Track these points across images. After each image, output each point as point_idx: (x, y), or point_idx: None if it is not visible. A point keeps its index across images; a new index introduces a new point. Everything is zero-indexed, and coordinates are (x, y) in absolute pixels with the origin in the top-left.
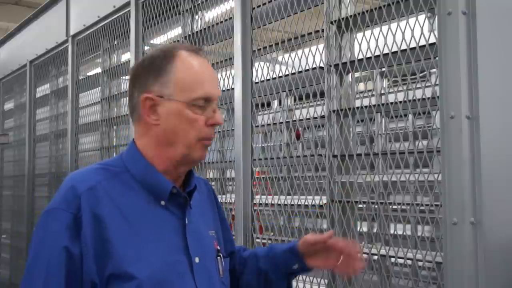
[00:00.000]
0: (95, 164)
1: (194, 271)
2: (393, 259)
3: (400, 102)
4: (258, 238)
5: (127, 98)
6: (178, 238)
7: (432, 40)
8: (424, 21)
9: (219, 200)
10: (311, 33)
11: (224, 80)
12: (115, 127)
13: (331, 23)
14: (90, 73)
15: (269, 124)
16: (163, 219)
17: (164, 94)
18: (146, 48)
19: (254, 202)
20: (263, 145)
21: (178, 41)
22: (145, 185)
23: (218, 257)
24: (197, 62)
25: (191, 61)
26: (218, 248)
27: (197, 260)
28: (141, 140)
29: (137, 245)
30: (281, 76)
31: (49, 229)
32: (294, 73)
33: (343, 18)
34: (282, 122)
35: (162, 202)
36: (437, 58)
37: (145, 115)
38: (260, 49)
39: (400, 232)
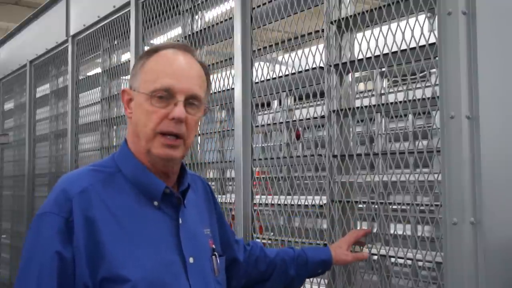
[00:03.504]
0: (87, 166)
1: (188, 271)
2: (393, 259)
3: (400, 102)
4: (258, 238)
5: None
6: (171, 239)
7: (432, 40)
8: (424, 21)
9: (219, 200)
10: (311, 33)
11: (224, 80)
12: (115, 127)
13: (331, 23)
14: (90, 73)
15: (269, 124)
16: (156, 220)
17: (134, 87)
18: (146, 48)
19: (254, 202)
20: (263, 145)
21: (178, 41)
22: (137, 185)
23: (213, 256)
24: (172, 57)
25: (166, 55)
26: (213, 247)
27: (191, 260)
28: (128, 137)
29: (130, 247)
30: (281, 76)
31: (41, 233)
32: (294, 73)
33: (343, 18)
34: (282, 122)
35: (155, 203)
36: (437, 58)
37: (125, 108)
38: (260, 49)
39: (400, 232)
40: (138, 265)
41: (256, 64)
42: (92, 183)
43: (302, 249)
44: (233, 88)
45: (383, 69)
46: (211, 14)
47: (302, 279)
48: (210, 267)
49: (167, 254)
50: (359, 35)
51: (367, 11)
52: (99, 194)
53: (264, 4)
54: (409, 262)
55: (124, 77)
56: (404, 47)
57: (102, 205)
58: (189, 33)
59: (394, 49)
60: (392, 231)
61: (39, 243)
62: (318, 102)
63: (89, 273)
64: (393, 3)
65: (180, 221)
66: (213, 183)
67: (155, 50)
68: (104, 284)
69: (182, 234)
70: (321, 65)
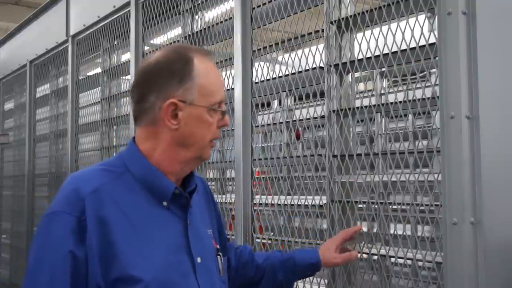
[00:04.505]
0: (97, 165)
1: (196, 271)
2: (393, 259)
3: (400, 102)
4: (258, 238)
5: (132, 99)
6: (181, 239)
7: (432, 40)
8: (424, 21)
9: (219, 200)
10: (311, 33)
11: (224, 80)
12: (115, 127)
13: (331, 23)
14: (90, 73)
15: (269, 124)
16: (165, 220)
17: (187, 99)
18: (146, 48)
19: (254, 202)
20: (263, 145)
21: (178, 41)
22: (146, 185)
23: (218, 256)
24: (211, 67)
25: (207, 66)
26: (218, 247)
27: (199, 260)
28: (147, 143)
29: (141, 248)
30: (281, 76)
31: (52, 233)
32: (294, 73)
33: (343, 18)
34: (282, 122)
35: (164, 203)
36: (437, 58)
37: (166, 119)
38: (260, 49)
39: (400, 232)
40: (150, 265)
41: (256, 64)
42: (104, 183)
43: (292, 252)
44: (233, 88)
45: (383, 69)
46: (211, 14)
47: (290, 284)
48: (215, 266)
49: (176, 254)
50: (359, 35)
51: (367, 11)
52: (110, 194)
53: (264, 4)
54: (409, 262)
55: (124, 77)
56: (404, 47)
57: (114, 204)
58: (189, 33)
59: (394, 49)
60: (392, 231)
61: (50, 242)
62: (318, 102)
63: (101, 273)
64: (393, 3)
65: (188, 222)
66: (213, 183)
67: (190, 57)
68: (116, 285)
69: (191, 234)
70: (321, 65)
